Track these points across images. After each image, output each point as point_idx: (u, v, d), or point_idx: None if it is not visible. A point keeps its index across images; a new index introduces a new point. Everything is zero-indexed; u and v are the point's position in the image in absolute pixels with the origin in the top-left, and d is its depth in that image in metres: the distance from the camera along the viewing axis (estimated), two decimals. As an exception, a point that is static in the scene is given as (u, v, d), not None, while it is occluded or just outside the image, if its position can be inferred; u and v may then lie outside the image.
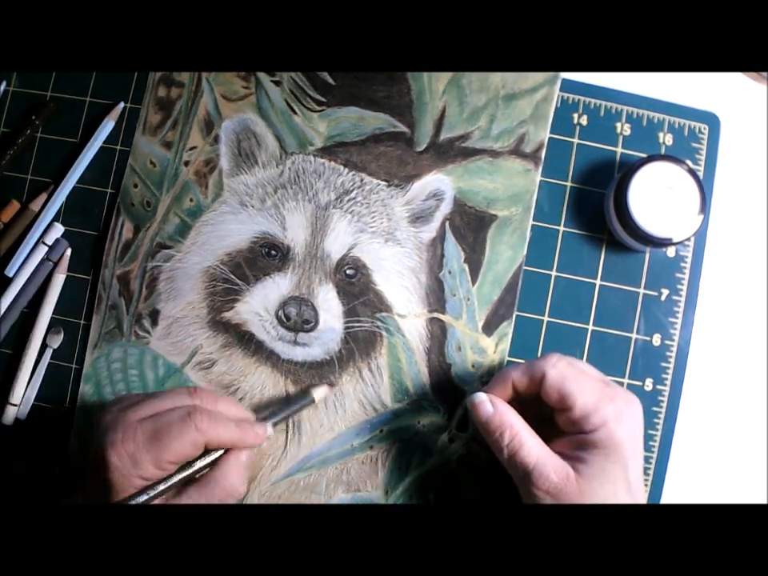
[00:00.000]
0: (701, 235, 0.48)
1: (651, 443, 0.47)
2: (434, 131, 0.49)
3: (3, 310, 0.50)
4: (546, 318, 0.48)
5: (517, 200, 0.48)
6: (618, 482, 0.37)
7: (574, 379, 0.38)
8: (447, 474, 0.47)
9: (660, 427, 0.47)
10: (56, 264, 0.50)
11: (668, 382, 0.47)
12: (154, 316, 0.49)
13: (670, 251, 0.48)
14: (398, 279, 0.48)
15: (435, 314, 0.48)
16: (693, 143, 0.48)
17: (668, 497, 0.47)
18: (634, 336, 0.48)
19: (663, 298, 0.48)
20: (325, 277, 0.48)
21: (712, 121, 0.48)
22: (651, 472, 0.47)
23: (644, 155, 0.47)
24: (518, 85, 0.49)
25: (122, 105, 0.51)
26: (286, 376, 0.48)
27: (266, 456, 0.47)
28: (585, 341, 0.47)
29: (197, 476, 0.39)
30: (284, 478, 0.47)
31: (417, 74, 0.49)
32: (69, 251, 0.51)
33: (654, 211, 0.44)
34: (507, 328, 0.47)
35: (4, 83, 0.53)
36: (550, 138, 0.48)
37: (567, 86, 0.49)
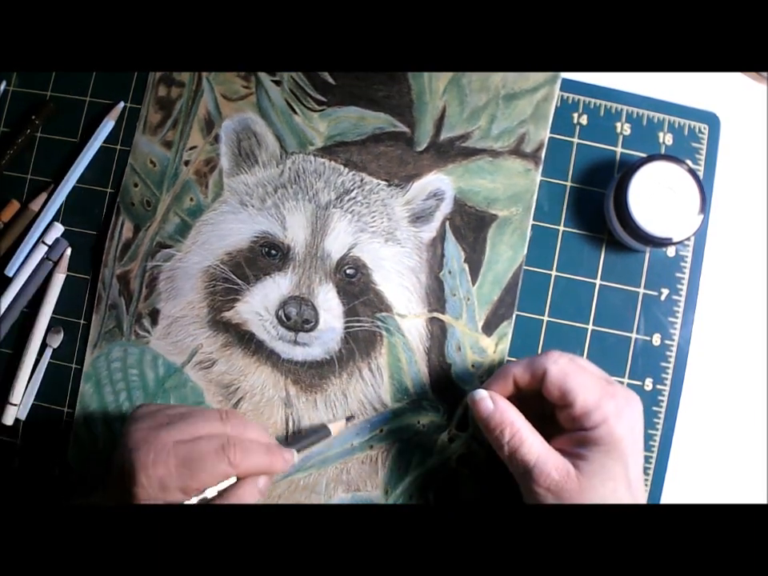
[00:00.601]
0: (701, 235, 0.48)
1: (651, 443, 0.47)
2: (435, 131, 0.49)
3: (3, 310, 0.50)
4: (545, 318, 0.48)
5: (517, 200, 0.48)
6: (619, 479, 0.37)
7: (576, 376, 0.38)
8: (447, 473, 0.47)
9: (660, 427, 0.47)
10: (56, 263, 0.50)
11: (668, 382, 0.47)
12: (154, 315, 0.49)
13: (670, 251, 0.48)
14: (398, 279, 0.48)
15: (435, 314, 0.48)
16: (693, 143, 0.48)
17: (668, 497, 0.47)
18: (633, 336, 0.48)
19: (663, 297, 0.48)
20: (325, 276, 0.48)
21: (712, 121, 0.48)
22: (651, 472, 0.47)
23: (644, 155, 0.47)
24: (518, 85, 0.49)
25: (121, 104, 0.51)
26: (286, 375, 0.48)
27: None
28: (585, 340, 0.48)
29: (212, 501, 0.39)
30: (284, 478, 0.48)
31: (417, 74, 0.49)
32: (69, 251, 0.51)
33: (654, 211, 0.44)
34: (507, 328, 0.47)
35: (4, 83, 0.53)
36: (550, 138, 0.48)
37: (567, 85, 0.49)
